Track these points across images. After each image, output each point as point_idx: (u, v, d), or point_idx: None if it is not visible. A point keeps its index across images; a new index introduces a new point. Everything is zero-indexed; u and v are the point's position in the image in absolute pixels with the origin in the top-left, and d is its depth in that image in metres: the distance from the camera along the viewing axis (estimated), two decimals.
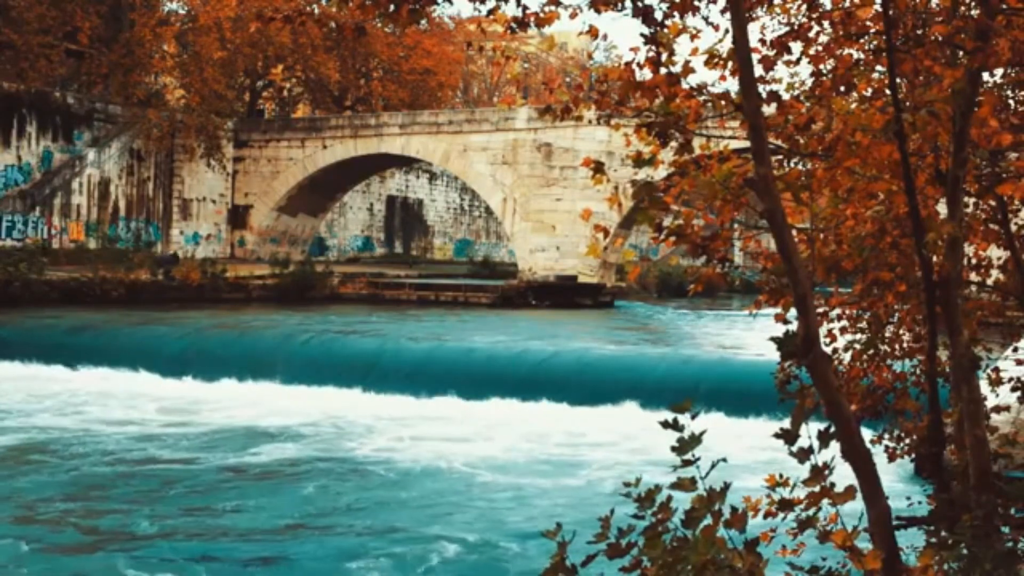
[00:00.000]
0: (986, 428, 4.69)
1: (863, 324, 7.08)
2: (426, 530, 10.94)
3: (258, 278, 37.35)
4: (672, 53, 4.22)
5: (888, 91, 4.72)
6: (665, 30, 4.19)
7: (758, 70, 4.75)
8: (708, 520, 3.22)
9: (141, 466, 13.76)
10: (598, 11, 4.21)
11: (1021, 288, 6.54)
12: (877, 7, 4.75)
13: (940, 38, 4.66)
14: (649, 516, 3.29)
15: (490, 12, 4.16)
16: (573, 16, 4.38)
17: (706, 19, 4.61)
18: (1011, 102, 6.31)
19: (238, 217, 45.30)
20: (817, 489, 3.59)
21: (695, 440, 3.32)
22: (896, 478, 11.02)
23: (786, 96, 5.12)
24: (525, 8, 4.18)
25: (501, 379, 18.94)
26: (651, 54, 4.21)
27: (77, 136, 39.42)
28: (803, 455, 3.49)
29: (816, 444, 3.50)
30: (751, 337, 25.25)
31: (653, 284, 50.73)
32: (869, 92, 5.55)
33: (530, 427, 16.51)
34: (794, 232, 4.21)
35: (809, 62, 5.46)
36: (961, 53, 4.63)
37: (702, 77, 4.49)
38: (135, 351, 21.30)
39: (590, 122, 7.44)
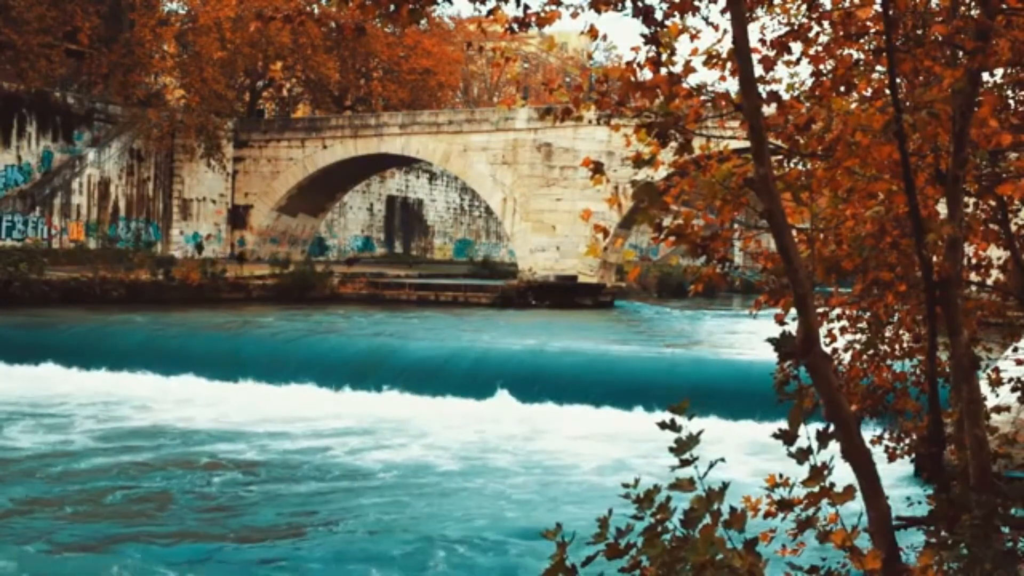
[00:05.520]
0: (986, 428, 4.69)
1: (863, 324, 7.08)
2: (427, 530, 10.94)
3: (258, 278, 37.35)
4: (673, 52, 4.22)
5: (888, 91, 4.72)
6: (665, 30, 4.19)
7: (758, 70, 4.75)
8: (707, 520, 3.21)
9: (146, 467, 13.77)
10: (598, 11, 4.21)
11: (1021, 288, 6.55)
12: (877, 7, 4.74)
13: (940, 38, 4.66)
14: (648, 516, 3.29)
15: (490, 12, 4.16)
16: (575, 16, 4.38)
17: (706, 19, 4.61)
18: (1011, 102, 6.31)
19: (238, 217, 45.28)
20: (817, 489, 3.59)
21: (693, 440, 3.32)
22: (896, 478, 11.01)
23: (786, 96, 5.12)
24: (526, 8, 4.18)
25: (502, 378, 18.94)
26: (651, 54, 4.21)
27: (77, 136, 39.41)
28: (802, 455, 3.49)
29: (815, 444, 3.50)
30: (753, 337, 25.23)
31: (653, 284, 50.74)
32: (869, 92, 5.55)
33: (531, 427, 16.51)
34: (794, 232, 4.21)
35: (809, 62, 5.45)
36: (961, 53, 4.63)
37: (702, 77, 4.49)
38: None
39: (590, 122, 7.44)
